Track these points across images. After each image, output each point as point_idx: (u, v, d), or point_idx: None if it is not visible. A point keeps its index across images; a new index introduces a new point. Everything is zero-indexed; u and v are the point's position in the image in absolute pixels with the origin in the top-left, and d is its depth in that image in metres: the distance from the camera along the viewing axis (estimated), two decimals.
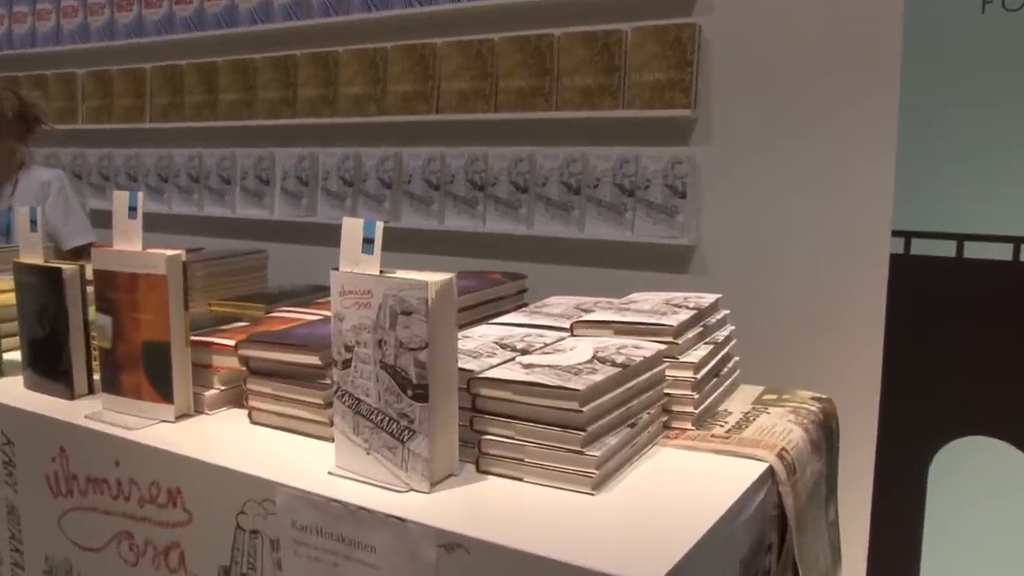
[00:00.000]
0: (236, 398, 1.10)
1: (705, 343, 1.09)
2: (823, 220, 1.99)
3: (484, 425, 0.88)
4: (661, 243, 2.13)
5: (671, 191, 2.14)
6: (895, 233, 1.56)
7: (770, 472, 0.91)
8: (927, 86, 1.52)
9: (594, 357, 0.95)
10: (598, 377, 0.88)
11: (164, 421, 1.05)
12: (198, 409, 1.08)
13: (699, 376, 1.02)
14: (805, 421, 1.05)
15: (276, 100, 2.78)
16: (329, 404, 0.96)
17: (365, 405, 0.87)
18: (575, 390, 0.84)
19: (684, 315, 1.08)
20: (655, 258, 2.16)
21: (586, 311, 1.20)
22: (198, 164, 3.01)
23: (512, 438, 0.87)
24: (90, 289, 1.11)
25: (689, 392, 1.01)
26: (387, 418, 0.85)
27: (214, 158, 2.96)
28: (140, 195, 1.06)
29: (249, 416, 1.05)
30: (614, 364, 0.92)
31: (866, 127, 1.93)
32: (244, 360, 1.05)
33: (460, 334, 1.06)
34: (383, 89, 2.55)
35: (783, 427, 1.02)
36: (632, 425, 0.92)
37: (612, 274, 2.20)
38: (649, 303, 1.15)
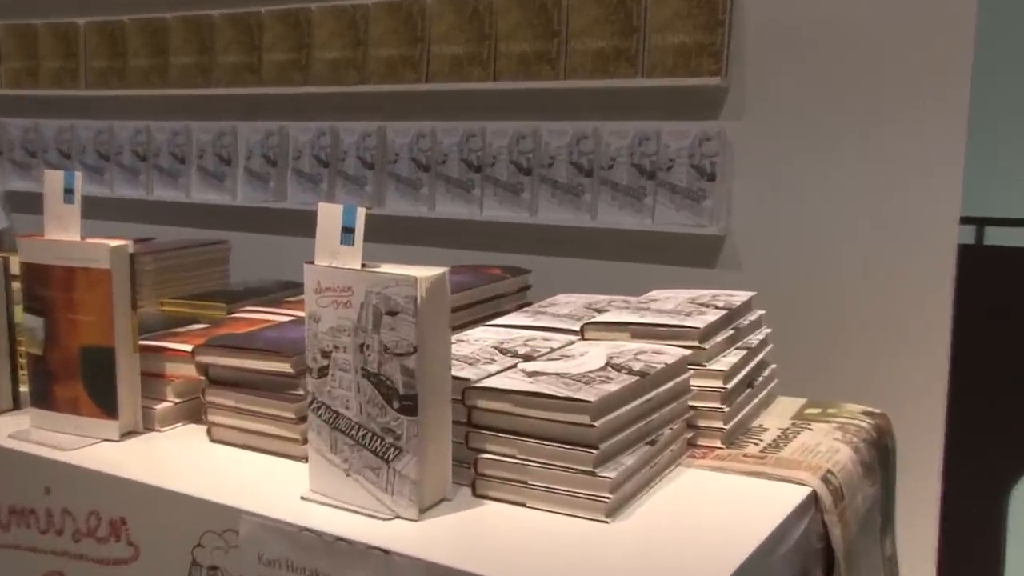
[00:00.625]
0: (193, 412, 1.11)
1: (736, 348, 1.10)
2: (877, 205, 1.97)
3: (481, 442, 0.89)
4: (685, 233, 2.13)
5: (697, 172, 2.14)
6: (964, 220, 1.53)
7: (813, 498, 0.92)
8: (1005, 53, 1.46)
9: (608, 364, 0.96)
10: (612, 387, 0.88)
11: (107, 440, 1.05)
12: (148, 426, 1.08)
13: (729, 386, 1.03)
14: (855, 439, 1.05)
15: (238, 65, 2.75)
16: (302, 418, 0.97)
17: (344, 419, 0.87)
18: (586, 402, 0.84)
19: (712, 316, 1.08)
20: (678, 250, 2.15)
21: (599, 311, 1.21)
22: (145, 139, 2.98)
23: (514, 457, 0.87)
24: (16, 286, 1.11)
25: (718, 405, 1.02)
26: (370, 434, 0.86)
27: (164, 133, 2.93)
28: (78, 175, 1.05)
29: (208, 433, 1.06)
30: (631, 372, 0.93)
31: (932, 99, 1.89)
32: (203, 368, 1.06)
33: (454, 337, 1.05)
34: (363, 53, 2.54)
35: (828, 446, 1.02)
36: (652, 443, 0.92)
37: (629, 268, 2.20)
38: (671, 302, 1.16)
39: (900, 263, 1.95)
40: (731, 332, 1.11)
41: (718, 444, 1.01)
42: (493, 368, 0.96)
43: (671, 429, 0.96)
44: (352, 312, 0.85)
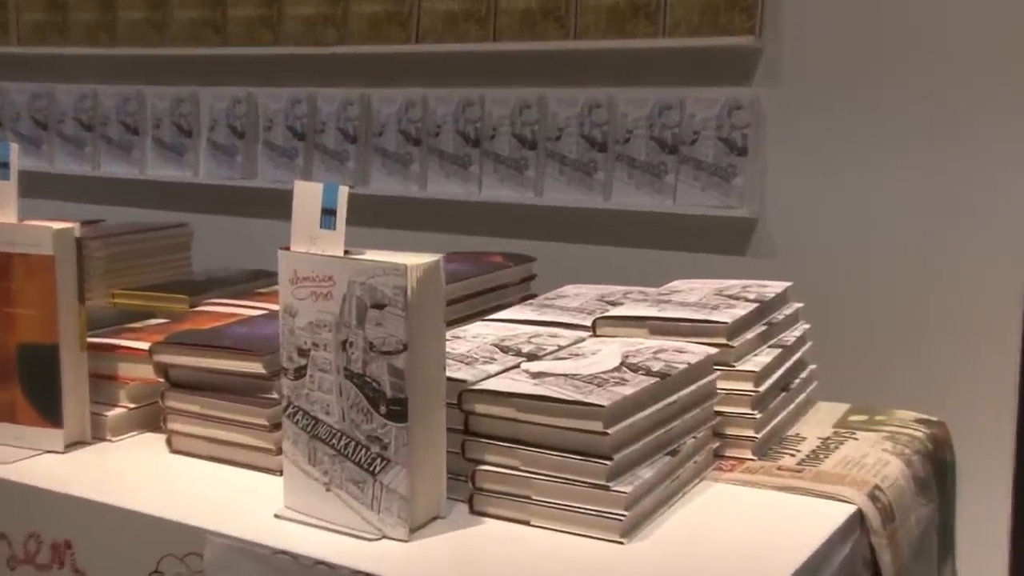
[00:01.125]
0: (151, 420, 1.11)
1: (770, 347, 1.10)
2: (937, 186, 1.93)
3: (480, 452, 0.89)
4: (713, 215, 2.12)
5: (726, 146, 2.12)
6: None
7: (858, 518, 0.92)
8: None
9: (623, 364, 0.96)
10: (628, 390, 0.88)
11: (50, 452, 1.05)
12: (97, 435, 1.09)
13: (762, 389, 1.03)
14: (907, 451, 1.06)
15: (198, 21, 2.72)
16: (277, 426, 0.97)
17: (324, 427, 0.87)
18: (598, 406, 0.85)
19: (742, 309, 1.09)
20: (704, 235, 2.14)
21: (613, 304, 1.21)
22: (91, 106, 2.93)
23: (516, 469, 0.87)
24: None
25: (748, 411, 1.02)
26: (353, 443, 0.86)
27: (114, 99, 2.89)
28: (14, 147, 1.04)
29: (168, 443, 1.06)
30: (649, 373, 0.93)
31: (1011, 64, 1.82)
32: (161, 369, 1.06)
33: (449, 333, 1.06)
34: (344, 9, 2.52)
35: (876, 458, 1.02)
36: (673, 453, 0.93)
37: (647, 256, 2.20)
38: (696, 294, 1.16)
39: (962, 247, 1.90)
40: (763, 328, 1.11)
41: (748, 455, 1.02)
42: (493, 368, 0.96)
43: (695, 438, 0.96)
44: (333, 305, 0.85)
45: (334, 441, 0.87)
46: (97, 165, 2.95)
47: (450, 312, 1.13)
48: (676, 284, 1.23)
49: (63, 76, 2.98)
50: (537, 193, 2.32)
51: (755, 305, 1.11)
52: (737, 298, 1.14)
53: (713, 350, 1.02)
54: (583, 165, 2.27)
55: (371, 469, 0.85)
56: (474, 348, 1.03)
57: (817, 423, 1.13)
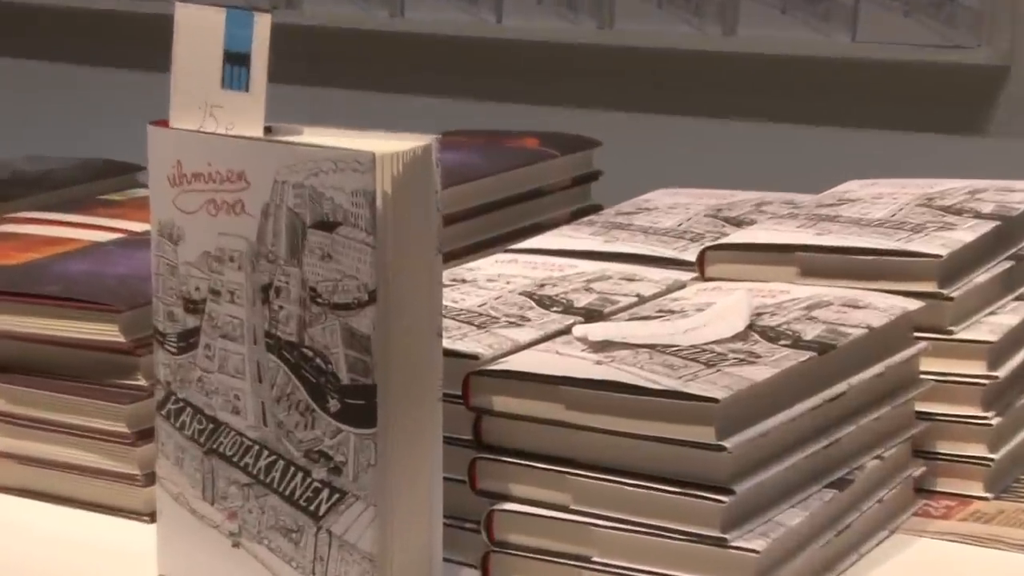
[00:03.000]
0: None
1: (1018, 299, 1.10)
2: None
3: (502, 480, 0.90)
4: (920, 61, 2.13)
5: None
6: None
7: None
8: None
9: (753, 328, 0.96)
10: (762, 373, 0.89)
11: None
12: None
13: (1001, 374, 1.03)
14: None
15: None
16: (146, 434, 0.98)
17: (231, 435, 0.88)
18: (708, 401, 0.84)
19: (967, 232, 1.08)
20: (905, 97, 2.15)
21: (734, 222, 1.22)
22: None
23: (565, 510, 0.88)
24: None
25: (978, 412, 1.02)
26: (282, 464, 0.86)
27: None
28: None
29: None
30: (797, 344, 0.93)
31: None
32: None
33: (450, 274, 1.06)
34: None
35: None
36: (841, 484, 0.93)
37: (801, 135, 2.19)
38: (885, 204, 1.16)
39: None
40: (1007, 266, 1.10)
41: (978, 491, 1.02)
42: (525, 334, 0.96)
43: (879, 459, 0.97)
44: (246, 224, 0.85)
45: (248, 460, 0.87)
46: None
47: (452, 237, 1.13)
48: (849, 187, 1.23)
49: None
50: (602, 23, 2.33)
51: (992, 225, 1.10)
52: (960, 212, 1.13)
53: (914, 304, 1.02)
54: None
55: (313, 509, 0.85)
56: (493, 300, 1.03)
57: None
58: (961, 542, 0.96)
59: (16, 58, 2.78)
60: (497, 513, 0.89)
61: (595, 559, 0.87)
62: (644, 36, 2.31)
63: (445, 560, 0.89)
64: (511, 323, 0.98)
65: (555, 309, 1.01)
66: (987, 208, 1.14)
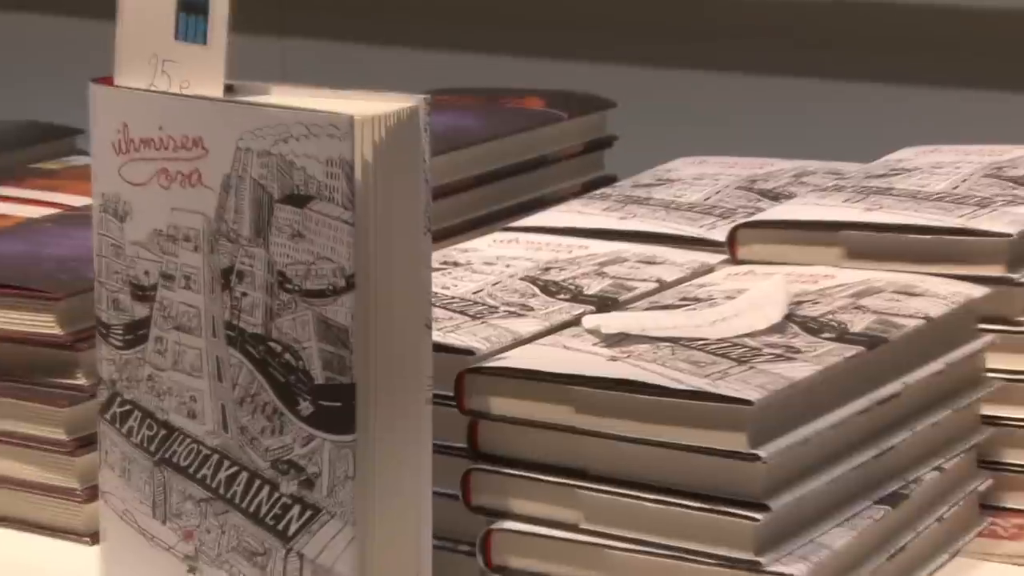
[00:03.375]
0: None
1: None
2: None
3: (501, 494, 0.91)
4: (991, 6, 2.11)
5: None
6: None
7: None
8: None
9: (792, 318, 0.96)
10: (802, 370, 0.88)
11: None
12: None
13: None
14: None
15: None
16: (85, 443, 1.00)
17: (186, 442, 0.88)
18: (740, 403, 0.84)
19: None
20: (970, 46, 2.12)
21: (771, 196, 1.23)
22: None
23: (576, 529, 0.88)
24: None
25: None
26: (246, 476, 0.86)
27: None
28: None
29: None
30: (844, 337, 0.93)
31: None
32: None
33: (442, 255, 1.09)
34: None
35: None
36: (894, 500, 0.93)
37: (846, 92, 2.18)
38: (945, 175, 1.16)
39: None
40: None
41: None
42: (527, 326, 0.97)
43: (938, 471, 0.97)
44: (204, 198, 0.85)
45: (206, 472, 0.87)
46: None
47: (443, 213, 1.14)
48: (904, 155, 1.23)
49: None
50: None
51: None
52: None
53: (979, 290, 1.02)
54: None
55: (281, 528, 0.85)
56: (490, 286, 1.04)
57: None
58: None
59: None
60: (495, 533, 0.90)
61: None
62: None
63: None
64: (511, 313, 0.98)
65: (562, 297, 1.02)
66: None
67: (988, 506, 1.01)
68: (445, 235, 1.18)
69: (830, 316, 0.96)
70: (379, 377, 0.83)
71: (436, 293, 0.94)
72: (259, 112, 0.83)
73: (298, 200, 0.82)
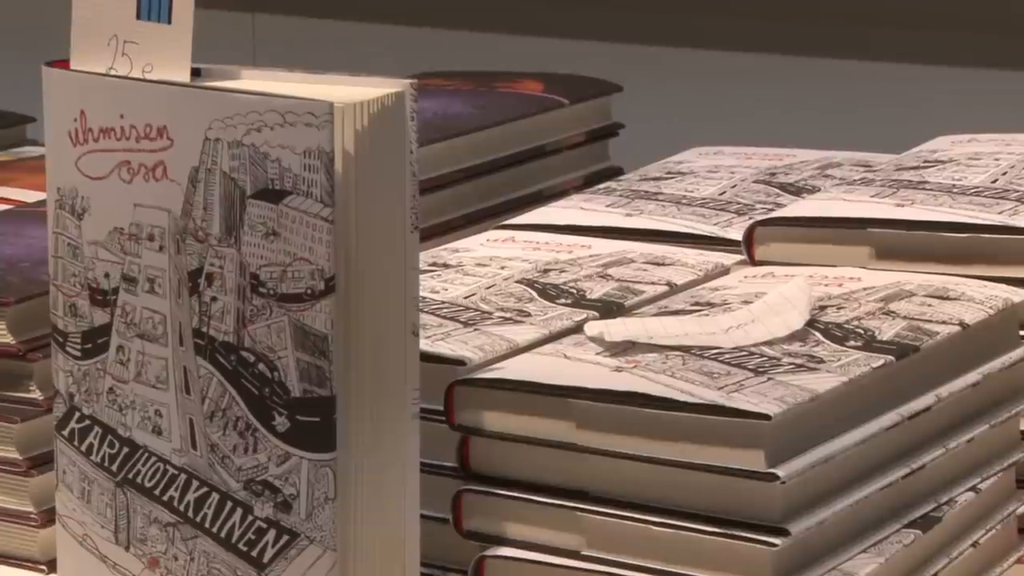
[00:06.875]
0: None
1: None
2: None
3: (494, 519, 0.91)
4: None
5: None
6: None
7: None
8: None
9: (814, 324, 0.97)
10: (825, 382, 0.88)
11: None
12: None
13: None
14: None
15: None
16: (40, 462, 1.00)
17: (151, 460, 0.88)
18: (756, 417, 0.84)
19: None
20: (1014, 25, 2.13)
21: (792, 190, 1.23)
22: None
23: (576, 556, 0.88)
24: None
25: None
26: (217, 498, 0.86)
27: None
28: None
29: None
30: (869, 344, 0.94)
31: None
32: None
33: (430, 255, 1.10)
34: None
35: None
36: (926, 523, 0.92)
37: (875, 74, 2.18)
38: (983, 165, 1.17)
39: None
40: None
41: None
42: (524, 333, 0.96)
43: (975, 491, 0.97)
44: (170, 192, 0.85)
45: (173, 494, 0.87)
46: None
47: (432, 209, 1.15)
48: (939, 145, 1.23)
49: None
50: None
51: None
52: None
53: (1020, 294, 1.03)
54: None
55: (255, 554, 0.85)
56: (483, 289, 1.04)
57: None
58: None
59: None
60: (489, 560, 0.90)
61: None
62: None
63: None
64: (506, 319, 0.98)
65: (562, 301, 1.02)
66: None
67: None
68: (434, 233, 1.18)
69: (856, 322, 0.96)
70: (362, 389, 0.83)
71: (424, 297, 0.94)
72: (229, 99, 0.83)
73: (272, 195, 0.82)
